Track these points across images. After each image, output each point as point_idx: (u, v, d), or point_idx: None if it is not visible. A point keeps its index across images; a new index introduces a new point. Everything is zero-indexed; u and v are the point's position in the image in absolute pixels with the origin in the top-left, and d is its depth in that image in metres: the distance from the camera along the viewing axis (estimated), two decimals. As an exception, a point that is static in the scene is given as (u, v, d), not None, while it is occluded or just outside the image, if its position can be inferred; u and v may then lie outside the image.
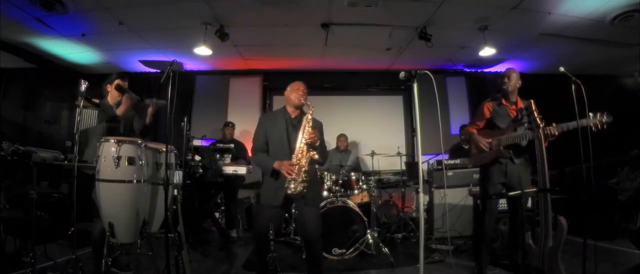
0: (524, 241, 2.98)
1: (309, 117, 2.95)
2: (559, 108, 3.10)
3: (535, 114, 2.94)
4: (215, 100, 7.46)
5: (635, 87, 7.07)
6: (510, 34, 5.60)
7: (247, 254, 4.45)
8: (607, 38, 5.51)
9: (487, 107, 3.59)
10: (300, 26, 5.45)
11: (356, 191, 4.81)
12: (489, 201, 3.43)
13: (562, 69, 2.91)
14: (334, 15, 5.09)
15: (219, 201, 5.63)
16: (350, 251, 4.21)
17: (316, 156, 2.88)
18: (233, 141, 5.97)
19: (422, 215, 2.35)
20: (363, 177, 4.97)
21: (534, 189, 3.03)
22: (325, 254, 4.09)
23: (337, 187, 4.66)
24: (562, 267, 2.59)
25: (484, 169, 3.53)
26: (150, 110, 3.52)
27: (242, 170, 5.24)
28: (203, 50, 5.72)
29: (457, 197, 4.92)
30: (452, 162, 5.24)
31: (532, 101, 3.01)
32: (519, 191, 3.23)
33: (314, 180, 3.03)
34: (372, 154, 5.59)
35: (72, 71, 6.78)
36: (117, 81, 3.45)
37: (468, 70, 7.43)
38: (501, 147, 3.37)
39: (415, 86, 2.40)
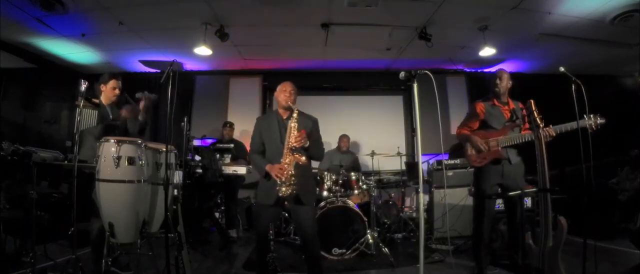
0: (524, 241, 2.98)
1: (293, 122, 2.91)
2: (559, 108, 3.11)
3: (536, 114, 2.95)
4: (215, 100, 7.46)
5: (635, 87, 7.07)
6: (510, 34, 5.59)
7: (247, 254, 4.45)
8: (607, 38, 5.51)
9: (480, 108, 3.59)
10: (300, 26, 5.45)
11: (356, 191, 4.80)
12: (486, 202, 3.43)
13: (562, 69, 2.92)
14: (334, 15, 5.09)
15: (219, 201, 5.63)
16: (350, 251, 4.21)
17: (303, 158, 2.88)
18: (232, 141, 5.96)
19: (422, 215, 2.35)
20: (363, 178, 4.96)
21: (534, 189, 3.02)
22: (325, 254, 4.11)
23: (337, 188, 4.66)
24: (562, 267, 2.59)
25: (480, 170, 3.52)
26: (142, 105, 3.52)
27: (242, 170, 5.24)
28: (203, 50, 5.71)
29: (457, 197, 4.92)
30: (452, 162, 5.24)
31: (532, 101, 3.01)
32: (519, 191, 3.22)
33: (306, 180, 3.04)
34: (372, 154, 5.59)
35: (72, 71, 6.78)
36: (113, 85, 3.47)
37: (468, 70, 7.43)
38: (500, 148, 3.37)
39: (415, 86, 2.40)
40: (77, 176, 2.80)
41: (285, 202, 3.09)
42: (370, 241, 4.28)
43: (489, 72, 7.36)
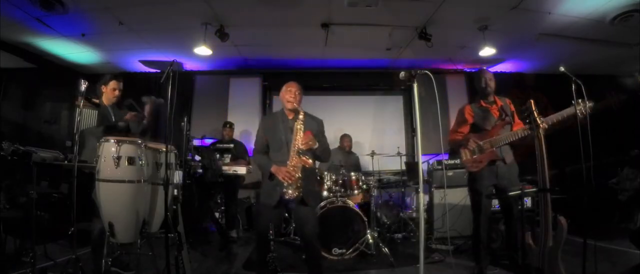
0: (524, 241, 2.98)
1: (300, 124, 2.93)
2: (559, 107, 3.11)
3: (535, 114, 2.94)
4: (215, 100, 7.44)
5: (635, 87, 7.07)
6: (510, 34, 5.59)
7: (247, 254, 4.45)
8: (607, 38, 5.51)
9: (469, 112, 3.58)
10: (300, 26, 5.45)
11: (356, 191, 4.80)
12: (483, 202, 3.43)
13: (562, 68, 2.92)
14: (334, 15, 5.09)
15: (219, 201, 5.63)
16: (350, 251, 4.21)
17: (309, 161, 2.88)
18: (232, 141, 5.96)
19: (422, 215, 2.35)
20: (363, 178, 4.96)
21: (534, 189, 3.02)
22: (325, 254, 4.11)
23: (337, 187, 4.65)
24: (562, 267, 2.59)
25: (474, 172, 3.50)
26: (147, 108, 3.53)
27: (242, 170, 5.24)
28: (203, 50, 5.71)
29: (457, 197, 4.92)
30: (452, 162, 5.23)
31: (532, 101, 3.00)
32: (519, 191, 3.22)
33: (310, 181, 3.04)
34: (372, 154, 5.59)
35: (72, 71, 6.78)
36: (114, 86, 3.49)
37: (468, 70, 7.43)
38: (494, 149, 3.37)
39: (415, 86, 2.39)
40: (78, 176, 2.81)
41: (289, 204, 3.09)
42: (370, 241, 4.28)
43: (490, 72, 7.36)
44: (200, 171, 4.82)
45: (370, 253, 4.24)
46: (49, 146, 3.99)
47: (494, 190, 3.48)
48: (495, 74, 3.64)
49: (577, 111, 2.96)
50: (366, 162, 6.14)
